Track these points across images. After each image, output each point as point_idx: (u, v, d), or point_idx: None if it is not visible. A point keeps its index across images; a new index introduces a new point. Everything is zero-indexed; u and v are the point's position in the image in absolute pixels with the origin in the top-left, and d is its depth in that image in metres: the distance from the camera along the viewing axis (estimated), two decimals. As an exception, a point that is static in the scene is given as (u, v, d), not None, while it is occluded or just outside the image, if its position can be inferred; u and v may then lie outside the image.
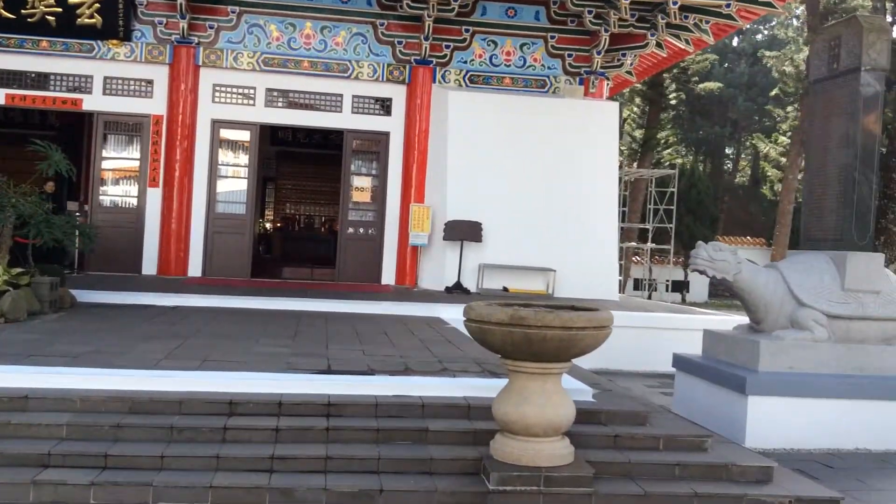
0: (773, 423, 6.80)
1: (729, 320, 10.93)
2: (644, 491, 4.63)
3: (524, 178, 13.05)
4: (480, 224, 12.81)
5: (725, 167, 41.10)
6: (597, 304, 11.17)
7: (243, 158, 13.84)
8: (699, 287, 29.97)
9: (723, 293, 33.28)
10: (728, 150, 41.34)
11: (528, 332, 4.42)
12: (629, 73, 15.27)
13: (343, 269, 14.00)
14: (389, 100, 13.76)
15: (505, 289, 12.79)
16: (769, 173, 24.75)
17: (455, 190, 13.06)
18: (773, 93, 22.92)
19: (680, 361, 8.13)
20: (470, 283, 12.85)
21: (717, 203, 29.73)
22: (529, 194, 13.02)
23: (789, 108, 22.25)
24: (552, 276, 12.87)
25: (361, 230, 14.05)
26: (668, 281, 25.72)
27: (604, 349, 10.23)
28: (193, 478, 4.43)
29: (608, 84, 14.42)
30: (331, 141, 18.23)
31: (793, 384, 6.88)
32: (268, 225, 22.20)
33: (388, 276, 13.77)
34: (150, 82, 13.39)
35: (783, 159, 22.39)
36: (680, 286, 27.27)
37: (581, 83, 13.61)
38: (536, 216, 12.97)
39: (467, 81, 13.71)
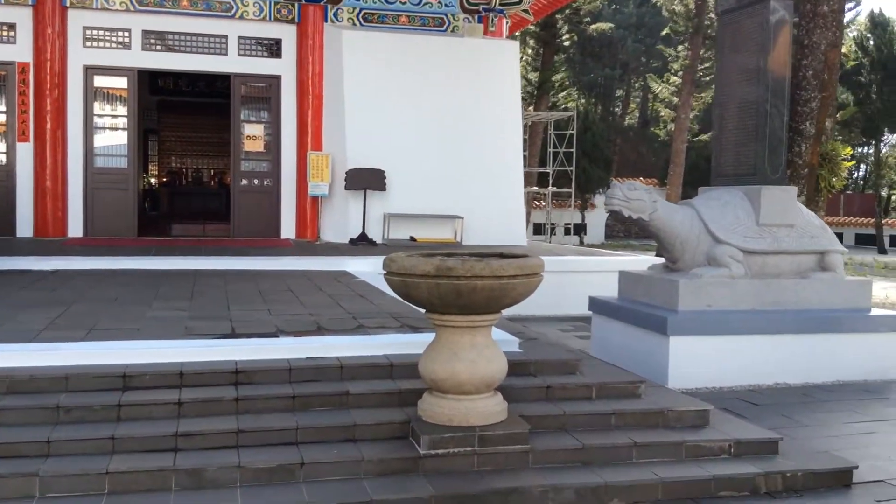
0: (694, 362, 6.71)
1: (641, 260, 10.91)
2: (582, 444, 4.38)
3: (427, 123, 12.61)
4: (384, 172, 12.33)
5: (615, 109, 41.64)
6: (518, 250, 10.98)
7: (121, 109, 12.84)
8: (596, 229, 30.46)
9: (617, 234, 34.17)
10: (618, 92, 41.84)
11: (456, 284, 4.05)
12: (526, 11, 14.89)
13: (238, 224, 13.28)
14: (279, 41, 12.99)
15: (412, 238, 12.41)
16: (662, 113, 25.08)
17: (355, 136, 12.50)
18: (663, 32, 23.11)
19: (596, 304, 7.96)
20: (375, 234, 12.40)
21: (610, 145, 30.04)
22: (433, 139, 12.61)
23: (680, 48, 22.48)
24: (460, 224, 12.56)
25: (256, 181, 13.33)
26: (566, 224, 25.93)
27: None
28: (86, 463, 3.90)
29: (507, 23, 14.04)
30: (217, 89, 17.23)
31: (712, 322, 6.79)
32: (153, 180, 21.00)
33: (288, 230, 13.16)
34: (12, 26, 12.18)
35: (675, 99, 22.66)
36: (578, 229, 27.57)
37: (480, 21, 13.16)
38: (441, 162, 12.58)
39: (361, 20, 13.06)
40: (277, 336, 5.43)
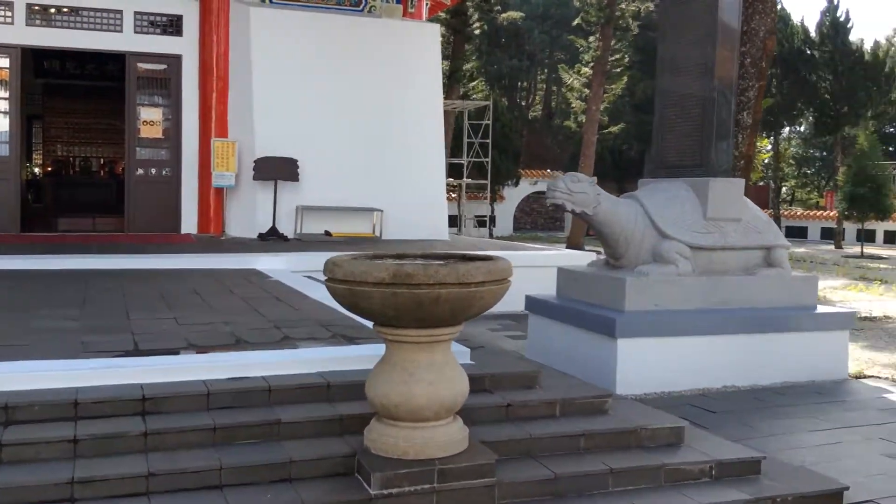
0: (643, 366, 6.29)
1: (572, 255, 10.54)
2: (553, 473, 3.83)
3: (344, 109, 11.87)
4: (296, 161, 11.52)
5: (521, 101, 41.61)
6: (433, 246, 10.47)
7: (1, 92, 11.58)
8: (504, 221, 30.25)
9: (524, 226, 34.08)
10: (523, 84, 41.80)
11: (416, 293, 3.42)
12: (443, -7, 14.32)
13: (133, 218, 12.22)
14: (180, 17, 11.99)
15: (327, 233, 11.67)
16: (573, 105, 24.96)
17: (264, 122, 11.64)
18: (574, 23, 22.94)
19: (534, 303, 7.46)
20: (287, 228, 11.60)
21: (518, 137, 29.85)
22: (350, 126, 11.88)
23: (591, 39, 22.35)
24: (379, 217, 11.88)
25: (154, 171, 12.30)
26: (475, 216, 25.54)
27: None
28: (-48, 525, 3.11)
29: (427, 4, 13.41)
30: (109, 72, 15.95)
31: (660, 323, 6.38)
32: (37, 170, 19.43)
33: (189, 224, 12.18)
34: None
35: (587, 90, 22.54)
36: (486, 221, 27.25)
37: (398, 2, 12.49)
38: (359, 151, 11.87)
39: (271, -3, 12.19)
40: (191, 352, 4.67)
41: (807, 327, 6.78)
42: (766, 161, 31.16)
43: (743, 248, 6.87)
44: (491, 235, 25.83)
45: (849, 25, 26.56)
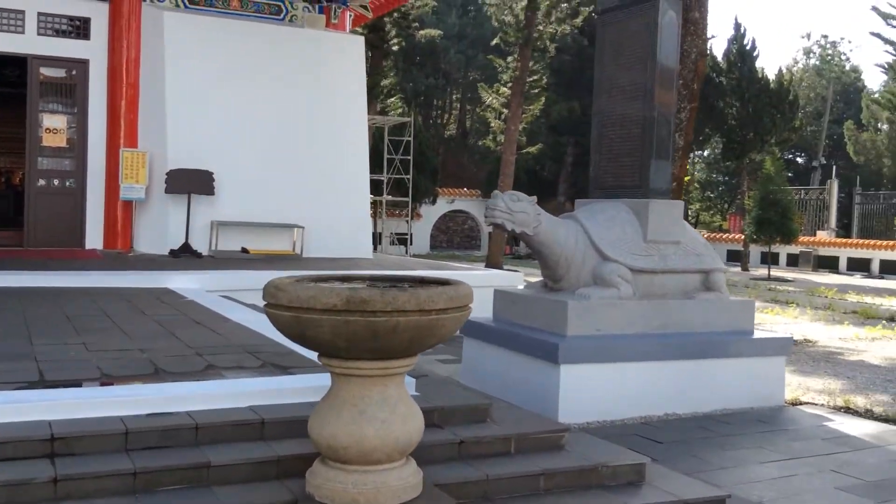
0: (585, 393, 6.05)
1: (506, 276, 10.32)
2: (514, 518, 3.52)
3: (264, 120, 11.37)
4: (212, 173, 10.95)
5: (439, 119, 41.59)
6: (357, 264, 10.08)
7: None
8: (421, 240, 29.97)
9: (440, 244, 33.91)
10: (438, 102, 41.81)
11: (372, 321, 3.07)
12: (364, 7, 13.98)
13: (34, 232, 11.39)
14: (87, 20, 11.29)
15: (244, 250, 11.11)
16: (492, 124, 24.92)
17: (178, 132, 11.03)
18: (493, 42, 22.96)
19: (468, 326, 7.14)
20: (201, 245, 10.99)
21: (435, 155, 29.69)
22: (271, 139, 11.38)
23: (510, 59, 22.38)
24: (300, 234, 11.39)
25: (56, 182, 11.51)
26: (392, 234, 25.19)
27: None
28: None
29: (350, 15, 13.05)
30: (9, 76, 14.97)
31: (602, 348, 6.17)
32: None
33: (95, 239, 11.43)
34: None
35: (505, 110, 22.54)
36: (403, 240, 26.92)
37: (321, 12, 12.08)
38: (279, 164, 11.38)
39: (186, 2, 11.60)
40: (105, 384, 4.17)
41: (746, 353, 6.69)
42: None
43: (682, 272, 6.75)
44: (406, 253, 25.52)
45: (755, 53, 27.48)
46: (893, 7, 19.51)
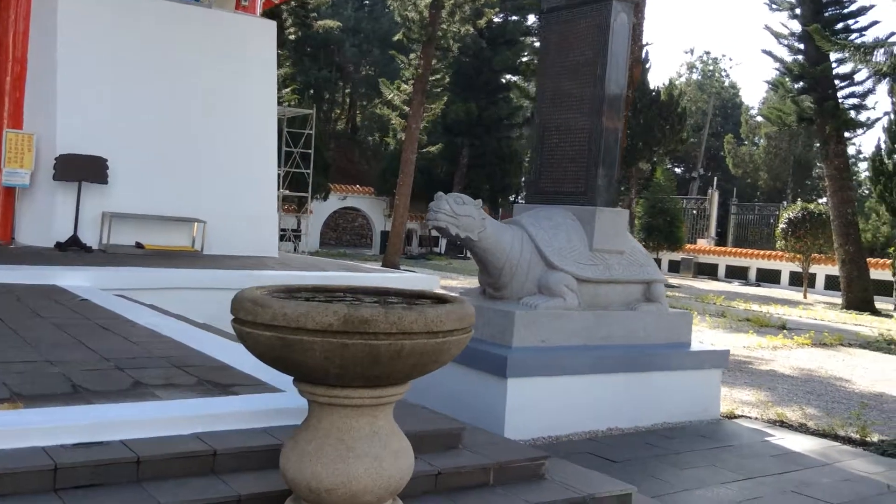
0: (531, 408, 5.77)
1: (423, 279, 9.92)
2: (506, 560, 3.14)
3: (165, 105, 10.54)
4: (105, 160, 10.05)
5: (328, 114, 40.73)
6: (264, 263, 9.53)
7: None
8: (311, 237, 29.15)
9: (329, 241, 33.16)
10: (331, 96, 40.96)
11: (374, 345, 2.63)
12: (274, -9, 13.28)
13: None
14: (-32, -14, 10.15)
15: (139, 244, 10.25)
16: (393, 122, 24.45)
17: (69, 115, 10.07)
18: (396, 37, 22.52)
19: (401, 336, 6.72)
20: (90, 238, 10.08)
21: (327, 150, 28.96)
22: (172, 125, 10.56)
23: (412, 56, 21.96)
24: (202, 229, 10.61)
25: (-76, 163, 10.28)
26: (285, 230, 24.33)
27: None
28: None
29: None
30: None
31: (548, 361, 5.90)
32: None
33: (-31, 228, 10.31)
34: None
35: (406, 108, 22.14)
36: (297, 235, 26.11)
37: (231, -7, 11.34)
38: (181, 153, 10.58)
39: (82, -27, 10.62)
40: (17, 406, 3.53)
41: (686, 365, 6.58)
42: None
43: (626, 282, 6.57)
44: (295, 250, 24.73)
45: (647, 66, 28.17)
46: (785, 27, 20.28)
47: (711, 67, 44.60)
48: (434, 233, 34.02)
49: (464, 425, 4.03)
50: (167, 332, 5.62)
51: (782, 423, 6.67)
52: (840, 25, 17.84)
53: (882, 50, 12.92)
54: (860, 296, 18.99)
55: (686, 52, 63.70)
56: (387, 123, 30.03)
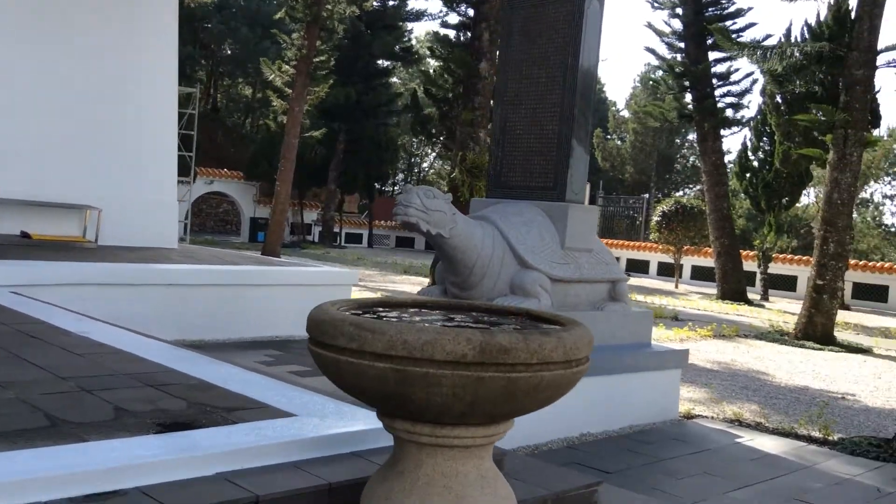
0: (514, 417, 5.41)
1: (343, 274, 9.38)
2: None
3: (51, 76, 9.41)
4: (-14, 139, 8.85)
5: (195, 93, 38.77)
6: (166, 255, 8.89)
7: None
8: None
9: (194, 228, 31.53)
10: (194, 73, 38.98)
11: (514, 378, 2.21)
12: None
13: None
14: None
15: (24, 234, 9.12)
16: (274, 103, 23.35)
17: (-60, 87, 8.79)
18: (277, 16, 21.50)
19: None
20: (-33, 225, 8.87)
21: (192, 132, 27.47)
22: (60, 100, 9.45)
23: (295, 36, 21.02)
24: (95, 217, 9.56)
25: None
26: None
27: (179, 313, 7.83)
28: None
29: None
30: None
31: (525, 366, 5.56)
32: None
33: None
34: None
35: (288, 90, 21.21)
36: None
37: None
38: (70, 132, 9.48)
39: (-47, -75, 9.30)
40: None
41: (650, 366, 6.43)
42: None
43: (594, 281, 6.34)
44: (182, 240, 23.29)
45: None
46: (667, 25, 20.86)
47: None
48: (311, 221, 33.16)
49: (504, 449, 3.62)
50: (110, 342, 4.89)
51: (740, 423, 6.65)
52: (719, 26, 18.46)
53: (774, 52, 13.38)
54: (734, 286, 19.86)
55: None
56: (251, 104, 28.85)
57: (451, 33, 18.50)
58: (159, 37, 10.37)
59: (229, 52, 41.16)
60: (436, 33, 23.68)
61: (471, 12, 14.40)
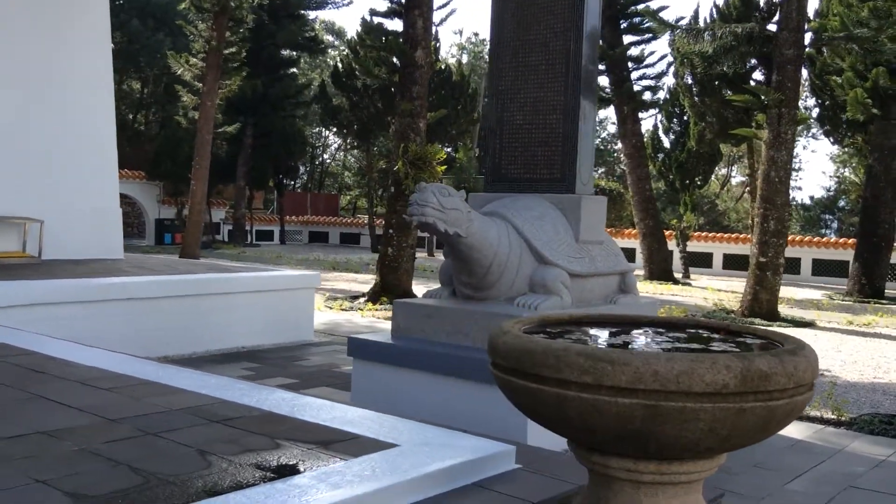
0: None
1: (306, 277, 8.97)
2: None
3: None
4: (-89, 148, 7.95)
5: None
6: (119, 267, 8.35)
7: None
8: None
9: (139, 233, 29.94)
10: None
11: (772, 407, 2.00)
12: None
13: None
14: None
15: (-39, 251, 8.27)
16: (185, 98, 22.26)
17: None
18: (182, 6, 20.50)
19: (364, 347, 5.87)
20: None
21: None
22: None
23: (202, 26, 20.08)
24: (37, 230, 8.76)
25: None
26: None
27: (140, 329, 7.31)
28: None
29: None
30: None
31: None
32: None
33: None
34: None
35: (199, 84, 20.25)
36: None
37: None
38: (5, 137, 8.63)
39: None
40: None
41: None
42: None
43: (607, 274, 6.18)
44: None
45: (437, 45, 28.13)
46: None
47: (480, 49, 45.79)
48: (219, 220, 31.98)
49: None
50: (125, 371, 4.41)
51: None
52: (647, 8, 18.73)
53: (707, 34, 13.61)
54: (661, 266, 20.26)
55: (455, 33, 64.90)
56: (144, 100, 27.37)
57: (378, 20, 18.03)
58: (93, 41, 9.61)
59: (116, 45, 39.21)
60: (365, 21, 23.10)
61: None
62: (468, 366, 5.28)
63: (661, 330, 2.54)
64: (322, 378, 7.25)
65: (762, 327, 2.44)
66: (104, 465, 2.82)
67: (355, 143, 30.96)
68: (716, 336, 2.45)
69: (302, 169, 50.61)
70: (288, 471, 2.84)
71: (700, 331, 2.52)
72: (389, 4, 15.40)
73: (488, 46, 6.52)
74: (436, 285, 6.51)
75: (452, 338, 5.56)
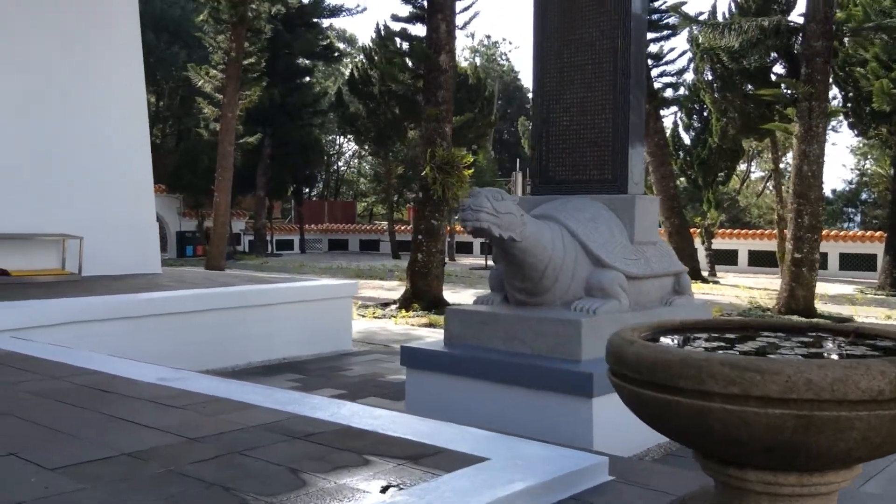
0: (616, 426, 5.10)
1: (342, 287, 8.91)
2: None
3: (19, 99, 8.53)
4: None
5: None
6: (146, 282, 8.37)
7: None
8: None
9: (161, 247, 29.96)
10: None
11: (930, 413, 1.87)
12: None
13: None
14: None
15: (2, 272, 8.24)
16: (206, 110, 22.30)
17: None
18: (199, 18, 20.53)
19: (419, 356, 5.80)
20: (-65, 266, 7.96)
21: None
22: (29, 123, 8.58)
23: (221, 38, 20.08)
24: (76, 247, 8.74)
25: None
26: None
27: (182, 343, 7.25)
28: None
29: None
30: None
31: (615, 371, 5.26)
32: None
33: None
34: None
35: (220, 96, 20.26)
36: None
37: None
38: (42, 157, 8.62)
39: None
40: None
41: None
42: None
43: (662, 275, 6.07)
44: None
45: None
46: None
47: (493, 51, 45.74)
48: (240, 231, 32.04)
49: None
50: (190, 388, 4.35)
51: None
52: (673, 3, 18.61)
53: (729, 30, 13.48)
54: (688, 264, 20.04)
55: (468, 37, 64.93)
56: (160, 114, 27.48)
57: (399, 25, 18.01)
58: (125, 60, 9.58)
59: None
60: (386, 27, 23.08)
61: (424, 3, 13.92)
62: (525, 373, 5.21)
63: (781, 335, 2.45)
64: (368, 388, 7.18)
65: (889, 328, 2.35)
66: (196, 486, 2.75)
67: (373, 150, 30.87)
68: (841, 339, 2.36)
69: (318, 177, 50.70)
70: (386, 489, 2.76)
71: (822, 334, 2.43)
72: (412, 9, 15.33)
73: (532, 49, 6.41)
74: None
75: (508, 344, 5.48)
